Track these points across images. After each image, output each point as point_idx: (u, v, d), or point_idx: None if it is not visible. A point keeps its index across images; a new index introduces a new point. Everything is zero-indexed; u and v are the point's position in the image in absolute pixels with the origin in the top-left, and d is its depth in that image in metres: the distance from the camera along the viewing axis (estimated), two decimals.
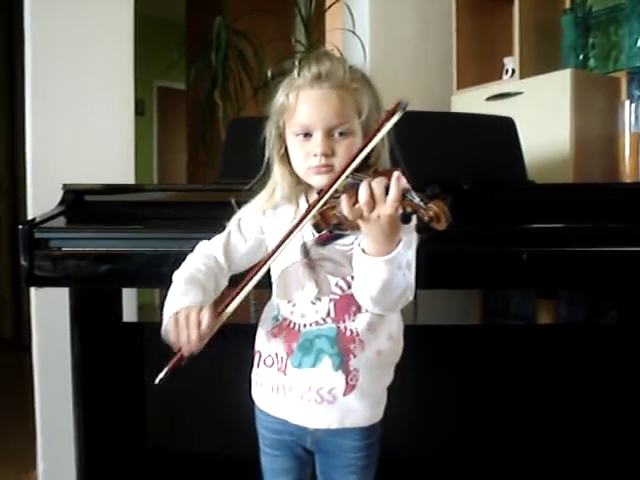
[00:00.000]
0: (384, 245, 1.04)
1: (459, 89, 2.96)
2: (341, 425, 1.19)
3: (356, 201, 1.02)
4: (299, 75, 1.17)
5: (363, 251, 1.07)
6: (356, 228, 1.07)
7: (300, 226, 1.09)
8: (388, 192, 0.99)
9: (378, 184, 1.00)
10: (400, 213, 0.99)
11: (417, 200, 0.97)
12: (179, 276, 1.20)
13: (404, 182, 1.01)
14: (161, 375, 1.09)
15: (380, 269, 1.05)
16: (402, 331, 1.26)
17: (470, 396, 2.01)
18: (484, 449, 2.04)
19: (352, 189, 1.05)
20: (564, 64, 2.80)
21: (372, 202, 1.00)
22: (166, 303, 1.16)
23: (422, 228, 0.97)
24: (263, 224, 1.24)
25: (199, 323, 1.06)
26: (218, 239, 1.25)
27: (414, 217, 0.98)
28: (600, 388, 1.98)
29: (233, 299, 1.11)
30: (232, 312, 1.11)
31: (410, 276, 1.10)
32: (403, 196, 0.98)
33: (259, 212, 1.24)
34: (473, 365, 2.01)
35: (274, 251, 1.11)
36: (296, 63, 1.19)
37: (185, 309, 1.10)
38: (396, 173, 1.00)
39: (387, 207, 0.99)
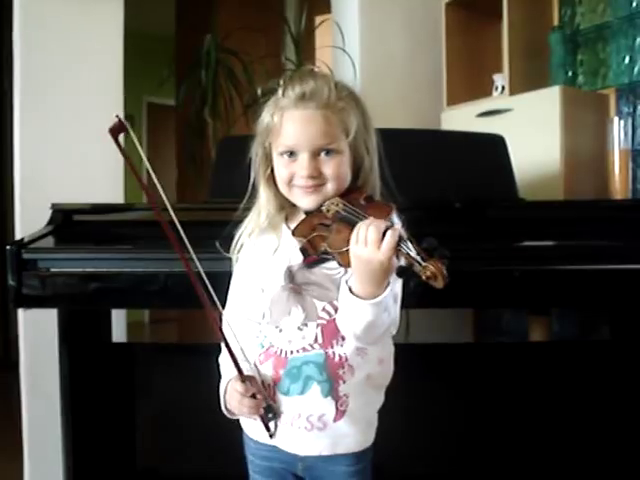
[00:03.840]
0: (372, 288, 1.01)
1: (449, 105, 2.97)
2: (333, 452, 1.18)
3: (348, 237, 1.00)
4: (283, 95, 1.16)
5: (350, 290, 1.04)
6: (347, 265, 1.04)
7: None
8: (384, 238, 0.96)
9: (375, 229, 0.97)
10: (397, 266, 0.96)
11: (414, 253, 0.94)
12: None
13: (402, 231, 0.98)
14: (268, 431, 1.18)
15: (366, 311, 1.03)
16: (392, 354, 1.24)
17: (463, 414, 2.00)
18: (477, 467, 2.02)
19: (343, 222, 1.04)
20: (553, 81, 2.81)
21: (365, 246, 0.98)
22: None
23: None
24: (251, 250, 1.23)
25: (241, 393, 1.14)
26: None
27: (410, 271, 0.95)
28: (593, 404, 1.97)
29: None
30: None
31: (395, 311, 1.09)
32: (399, 246, 0.95)
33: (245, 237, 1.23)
34: (466, 383, 2.00)
35: None
36: (281, 82, 1.17)
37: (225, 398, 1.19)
38: (391, 223, 0.99)
39: (380, 255, 0.96)
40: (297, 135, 1.13)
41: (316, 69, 1.29)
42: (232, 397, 1.16)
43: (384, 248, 0.96)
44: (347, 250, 1.02)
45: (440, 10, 3.00)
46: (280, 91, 1.17)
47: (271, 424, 1.17)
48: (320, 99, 1.13)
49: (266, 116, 1.19)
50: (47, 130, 2.22)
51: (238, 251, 1.24)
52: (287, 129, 1.14)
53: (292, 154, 1.14)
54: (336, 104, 1.14)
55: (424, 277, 0.92)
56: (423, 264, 0.92)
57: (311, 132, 1.12)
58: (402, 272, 0.96)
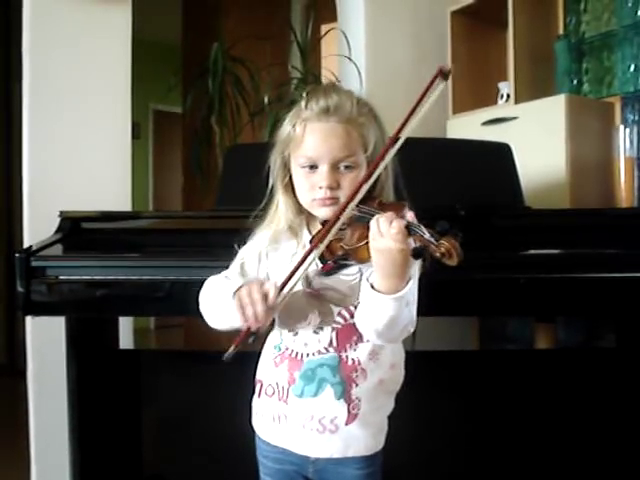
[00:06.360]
0: (394, 281, 1.03)
1: (454, 114, 2.98)
2: (343, 454, 1.19)
3: (362, 234, 1.02)
4: (306, 107, 1.18)
5: (372, 286, 1.06)
6: (362, 260, 1.07)
7: (311, 255, 1.09)
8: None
9: (386, 219, 1.00)
10: (411, 248, 0.98)
11: (427, 236, 0.97)
12: (212, 283, 1.20)
13: (413, 217, 1.01)
14: (229, 351, 1.09)
15: (388, 306, 1.04)
16: (403, 359, 1.27)
17: (468, 422, 1.99)
18: (482, 474, 2.02)
19: (358, 222, 1.05)
20: (558, 89, 2.82)
21: (381, 236, 1.00)
22: (215, 295, 1.17)
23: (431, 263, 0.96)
24: (267, 262, 1.23)
25: (265, 296, 1.07)
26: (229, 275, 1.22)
27: (425, 252, 0.97)
28: (599, 412, 1.97)
29: (289, 278, 1.10)
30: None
31: (413, 310, 1.10)
32: (413, 231, 0.98)
33: (261, 249, 1.23)
34: (471, 391, 1.99)
35: (288, 278, 1.10)
36: (304, 94, 1.20)
37: (245, 286, 1.10)
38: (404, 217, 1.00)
39: (396, 241, 0.99)
40: (318, 147, 1.16)
41: (339, 85, 1.31)
42: (255, 291, 1.08)
43: (396, 233, 0.98)
44: (362, 245, 1.05)
45: (445, 18, 3.02)
46: (303, 103, 1.19)
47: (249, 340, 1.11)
48: (342, 113, 1.16)
49: (287, 126, 1.21)
50: (55, 137, 2.23)
51: (240, 268, 1.24)
52: (308, 141, 1.17)
53: (312, 167, 1.16)
54: (357, 119, 1.17)
55: (439, 254, 0.94)
56: (436, 243, 0.95)
57: (332, 145, 1.15)
58: (417, 254, 0.98)
